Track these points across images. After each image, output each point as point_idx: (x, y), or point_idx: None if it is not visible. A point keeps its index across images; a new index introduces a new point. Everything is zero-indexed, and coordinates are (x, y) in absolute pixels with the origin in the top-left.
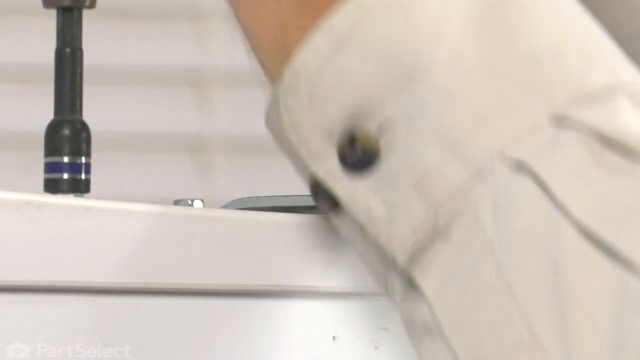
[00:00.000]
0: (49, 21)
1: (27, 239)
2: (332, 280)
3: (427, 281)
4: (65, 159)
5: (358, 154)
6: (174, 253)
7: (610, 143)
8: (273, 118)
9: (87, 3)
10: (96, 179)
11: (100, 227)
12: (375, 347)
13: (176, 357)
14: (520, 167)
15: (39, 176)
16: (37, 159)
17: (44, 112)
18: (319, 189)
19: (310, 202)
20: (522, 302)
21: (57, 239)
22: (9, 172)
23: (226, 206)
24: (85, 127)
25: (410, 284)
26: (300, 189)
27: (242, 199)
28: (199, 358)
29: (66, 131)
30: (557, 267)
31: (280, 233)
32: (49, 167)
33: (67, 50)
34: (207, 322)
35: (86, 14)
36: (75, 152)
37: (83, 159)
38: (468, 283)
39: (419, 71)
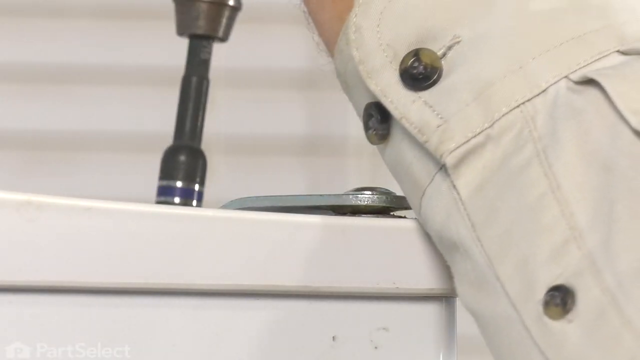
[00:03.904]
0: (49, 21)
1: (27, 239)
2: (332, 280)
3: (467, 183)
4: (179, 184)
5: (420, 70)
6: (174, 253)
7: None
8: (341, 46)
9: (220, 34)
10: (94, 179)
11: (100, 227)
12: (375, 347)
13: (176, 357)
14: (585, 82)
15: (39, 176)
16: (37, 159)
17: (44, 112)
18: (371, 117)
19: (310, 202)
20: (567, 196)
21: (57, 239)
22: (9, 172)
23: (226, 206)
24: (201, 155)
25: (451, 187)
26: (300, 189)
27: (242, 199)
28: (198, 358)
29: (182, 157)
30: (610, 166)
31: (280, 233)
32: (162, 191)
33: (194, 78)
34: (207, 322)
35: (84, 14)
36: (190, 178)
37: (197, 187)
38: (511, 182)
39: None
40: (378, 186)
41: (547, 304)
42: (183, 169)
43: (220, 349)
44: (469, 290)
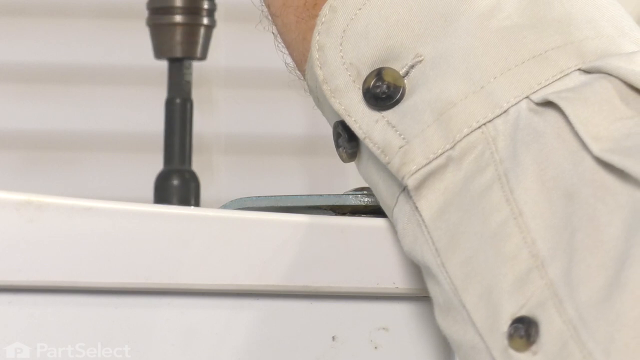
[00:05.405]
0: (49, 21)
1: (27, 239)
2: (332, 280)
3: (429, 206)
4: None
5: (383, 89)
6: (174, 253)
7: (635, 89)
8: (310, 64)
9: (198, 54)
10: (94, 179)
11: (100, 227)
12: (375, 347)
13: (176, 357)
14: (546, 104)
15: (39, 176)
16: (37, 159)
17: (44, 112)
18: (340, 135)
19: (310, 202)
20: (529, 223)
21: (57, 239)
22: (9, 172)
23: (226, 206)
24: (194, 177)
25: (414, 210)
26: (300, 189)
27: (242, 199)
28: (198, 358)
29: (175, 182)
30: (571, 194)
31: (280, 233)
32: None
33: (177, 100)
34: (207, 322)
35: (84, 14)
36: (184, 202)
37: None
38: (472, 206)
39: (456, 16)
40: None
41: (512, 336)
42: (177, 194)
43: (220, 349)
44: (440, 313)
